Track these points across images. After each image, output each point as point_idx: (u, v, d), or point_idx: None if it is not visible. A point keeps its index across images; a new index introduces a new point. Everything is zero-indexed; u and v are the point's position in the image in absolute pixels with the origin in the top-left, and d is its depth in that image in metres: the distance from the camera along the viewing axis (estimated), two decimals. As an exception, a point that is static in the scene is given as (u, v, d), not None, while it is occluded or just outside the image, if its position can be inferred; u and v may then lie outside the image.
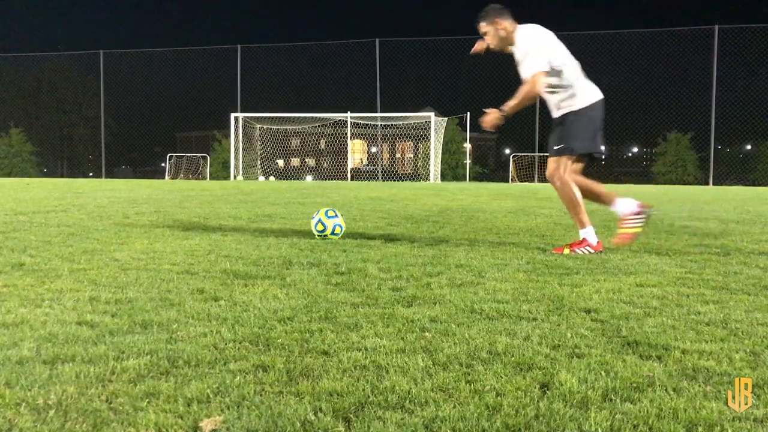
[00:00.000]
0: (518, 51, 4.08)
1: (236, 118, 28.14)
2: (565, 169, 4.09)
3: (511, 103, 4.01)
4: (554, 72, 4.00)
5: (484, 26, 4.19)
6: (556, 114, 4.17)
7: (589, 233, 4.03)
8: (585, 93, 4.08)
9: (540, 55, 3.96)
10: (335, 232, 4.49)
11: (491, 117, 4.06)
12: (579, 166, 4.17)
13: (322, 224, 4.49)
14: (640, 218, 4.00)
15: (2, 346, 1.89)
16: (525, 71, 4.00)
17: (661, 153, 29.83)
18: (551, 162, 4.16)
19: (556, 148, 4.11)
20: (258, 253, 3.75)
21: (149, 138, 38.78)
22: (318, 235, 4.49)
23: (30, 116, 43.25)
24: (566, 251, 3.95)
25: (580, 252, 3.94)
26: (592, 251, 3.95)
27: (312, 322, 2.20)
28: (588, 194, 4.18)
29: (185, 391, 1.55)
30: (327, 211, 4.59)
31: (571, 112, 4.07)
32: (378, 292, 2.70)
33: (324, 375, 1.68)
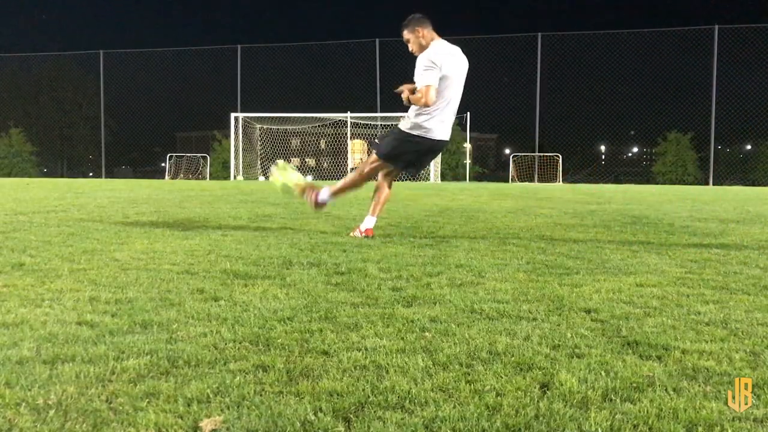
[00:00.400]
0: (424, 57, 4.40)
1: (236, 118, 28.13)
2: (372, 164, 4.77)
3: (411, 98, 4.43)
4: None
5: (406, 34, 4.56)
6: (401, 122, 4.68)
7: (369, 223, 4.76)
8: (428, 126, 4.51)
9: (437, 72, 4.36)
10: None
11: (407, 92, 4.47)
12: (387, 168, 4.82)
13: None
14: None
15: (2, 346, 1.89)
16: (421, 79, 4.37)
17: (661, 153, 29.82)
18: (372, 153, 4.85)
19: (375, 141, 4.87)
20: (258, 253, 3.75)
21: (149, 138, 38.74)
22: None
23: (30, 116, 43.18)
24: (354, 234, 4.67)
25: (357, 234, 4.66)
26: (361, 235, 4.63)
27: (312, 322, 2.20)
28: (377, 194, 4.87)
29: (185, 391, 1.55)
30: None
31: (399, 129, 4.63)
32: (378, 292, 2.71)
33: (324, 375, 1.68)
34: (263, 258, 3.58)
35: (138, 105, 36.27)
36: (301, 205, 6.86)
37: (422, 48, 4.50)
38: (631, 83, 32.63)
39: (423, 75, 4.36)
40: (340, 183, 4.95)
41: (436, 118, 4.50)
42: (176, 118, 42.26)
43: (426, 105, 4.37)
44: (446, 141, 4.69)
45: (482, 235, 4.93)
